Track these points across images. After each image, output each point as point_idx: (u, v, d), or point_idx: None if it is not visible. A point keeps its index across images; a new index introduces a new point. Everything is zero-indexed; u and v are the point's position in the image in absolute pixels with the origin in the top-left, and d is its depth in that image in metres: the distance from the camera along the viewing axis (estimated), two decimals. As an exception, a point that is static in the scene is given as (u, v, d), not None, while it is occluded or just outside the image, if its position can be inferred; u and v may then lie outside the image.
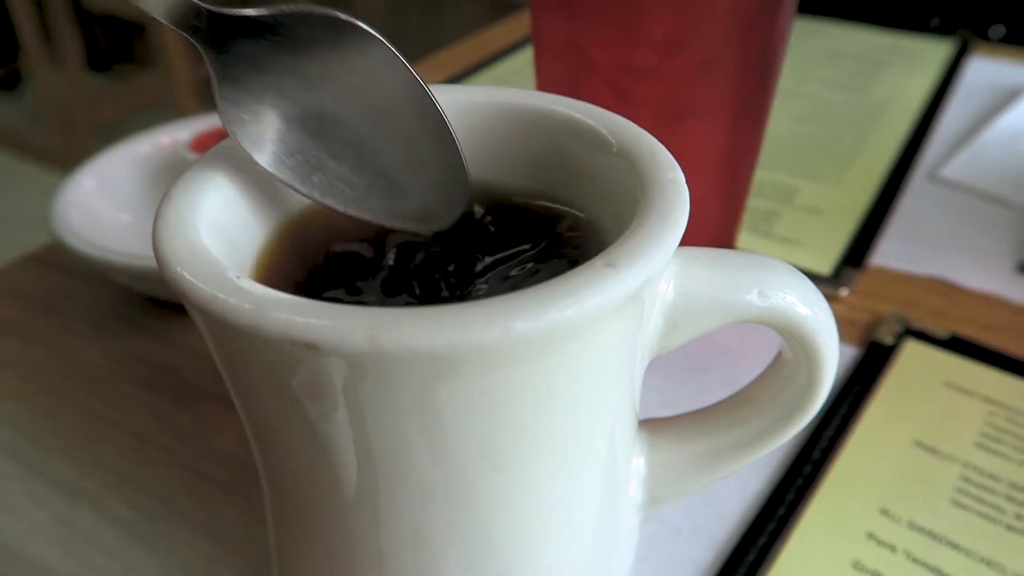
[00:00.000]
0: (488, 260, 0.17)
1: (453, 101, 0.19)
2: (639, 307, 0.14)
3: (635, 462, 0.19)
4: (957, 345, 0.27)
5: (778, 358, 0.18)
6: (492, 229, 0.18)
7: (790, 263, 0.32)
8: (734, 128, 0.24)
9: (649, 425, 0.19)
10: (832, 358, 0.17)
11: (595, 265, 0.13)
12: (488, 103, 0.18)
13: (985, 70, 0.49)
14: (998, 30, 0.62)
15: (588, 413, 0.15)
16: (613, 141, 0.16)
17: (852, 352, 0.27)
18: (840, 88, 0.47)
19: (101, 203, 0.30)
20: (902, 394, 0.26)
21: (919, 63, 0.50)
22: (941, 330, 0.28)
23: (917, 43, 0.53)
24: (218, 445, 0.25)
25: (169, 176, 0.33)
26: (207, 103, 1.81)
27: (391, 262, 0.17)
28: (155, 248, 0.14)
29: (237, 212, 0.16)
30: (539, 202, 0.18)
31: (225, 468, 0.24)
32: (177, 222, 0.14)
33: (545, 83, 0.25)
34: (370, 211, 0.17)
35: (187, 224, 0.14)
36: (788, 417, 0.18)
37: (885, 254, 0.33)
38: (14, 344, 0.30)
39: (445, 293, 0.16)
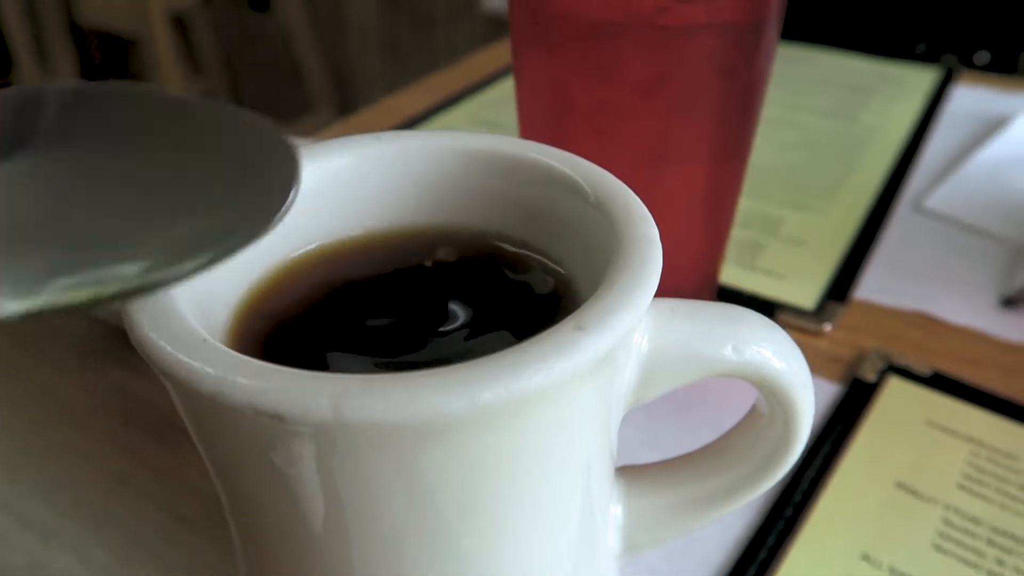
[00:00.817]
0: (460, 312, 0.17)
1: (430, 147, 0.19)
2: (612, 365, 0.14)
3: (613, 511, 0.18)
4: (939, 382, 0.27)
5: (754, 409, 0.18)
6: (465, 277, 0.18)
7: (773, 297, 0.32)
8: (715, 168, 0.24)
9: (627, 473, 0.19)
10: (807, 411, 0.17)
11: (565, 328, 0.13)
12: (465, 149, 0.18)
13: (970, 97, 0.49)
14: (983, 56, 0.63)
15: (563, 470, 0.15)
16: (590, 191, 0.16)
17: (835, 389, 0.27)
18: (827, 115, 0.47)
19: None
20: (884, 433, 0.25)
21: (905, 90, 0.50)
22: (923, 366, 0.28)
23: (903, 70, 0.53)
24: (195, 484, 0.25)
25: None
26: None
27: (363, 315, 0.17)
28: (128, 320, 0.13)
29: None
30: (513, 248, 0.18)
31: (202, 508, 0.24)
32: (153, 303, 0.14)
33: (527, 119, 0.25)
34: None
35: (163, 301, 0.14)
36: (764, 468, 0.18)
37: (869, 287, 0.33)
38: (-7, 378, 0.29)
39: (417, 351, 0.16)
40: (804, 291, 0.32)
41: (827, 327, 0.30)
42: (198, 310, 0.15)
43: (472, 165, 0.18)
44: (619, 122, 0.23)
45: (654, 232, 0.15)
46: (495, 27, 1.42)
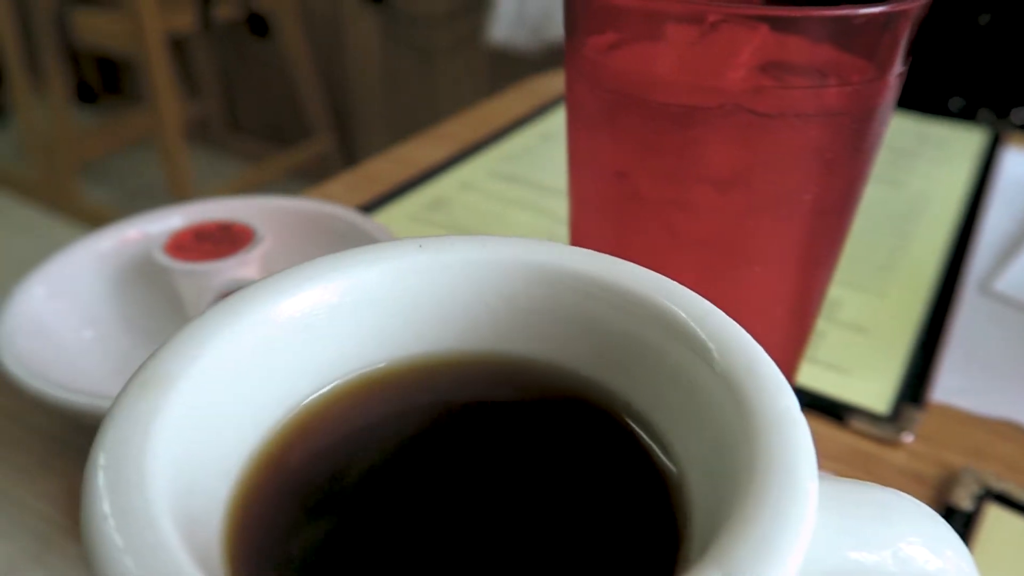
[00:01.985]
0: (531, 499, 0.13)
1: (495, 262, 0.15)
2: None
3: None
4: (1046, 514, 0.24)
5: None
6: (531, 436, 0.14)
7: (841, 397, 0.29)
8: (803, 274, 0.21)
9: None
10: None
11: (709, 580, 0.09)
12: (540, 266, 0.15)
13: (1021, 163, 0.46)
14: (1021, 114, 0.60)
15: None
16: (714, 351, 0.13)
17: (926, 520, 0.24)
18: (873, 180, 0.44)
19: (57, 316, 0.26)
20: (991, 581, 0.22)
21: (951, 154, 0.47)
22: (1025, 493, 0.24)
23: (945, 131, 0.50)
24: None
25: (138, 280, 0.29)
26: (195, 143, 1.77)
27: (398, 502, 0.13)
28: (87, 532, 0.10)
29: (207, 427, 0.12)
30: (605, 400, 0.14)
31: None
32: (123, 488, 0.10)
33: (581, 209, 0.22)
34: None
35: (136, 488, 0.10)
36: None
37: (946, 387, 0.29)
38: (-56, 480, 0.25)
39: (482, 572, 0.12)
40: (874, 390, 0.29)
41: (907, 438, 0.27)
42: (182, 495, 0.11)
43: (541, 285, 0.15)
44: (693, 219, 0.20)
45: (794, 406, 0.12)
46: (497, 61, 1.40)
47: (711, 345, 0.13)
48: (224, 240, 0.28)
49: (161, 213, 0.30)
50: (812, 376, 0.29)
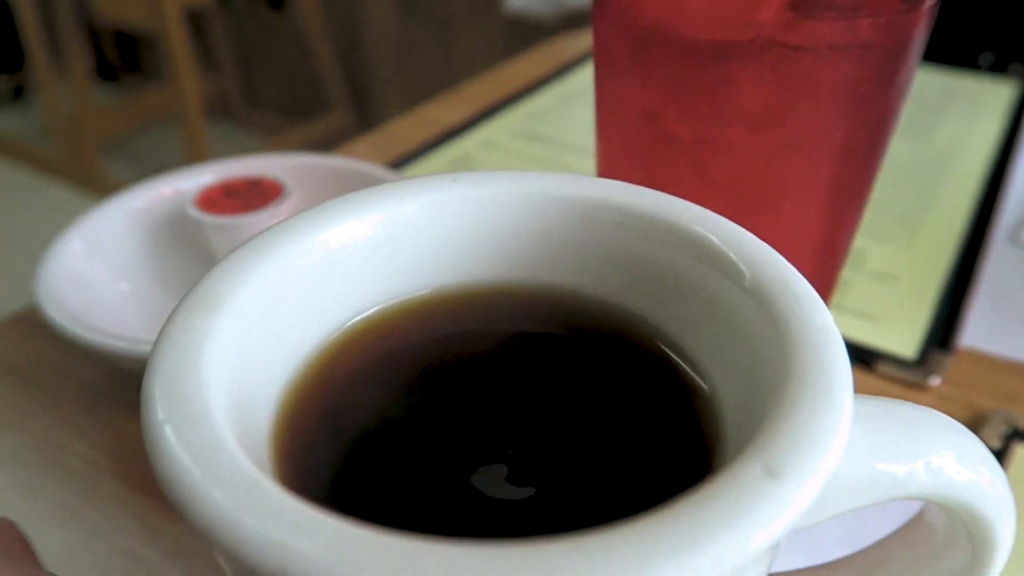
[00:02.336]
0: (566, 413, 0.13)
1: (521, 194, 0.15)
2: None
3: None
4: (1076, 454, 0.24)
5: (920, 522, 0.15)
6: (564, 358, 0.14)
7: (868, 343, 0.29)
8: (833, 212, 0.21)
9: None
10: (1007, 544, 0.13)
11: (750, 472, 0.09)
12: (566, 197, 0.15)
13: (1052, 115, 0.45)
14: (1053, 68, 0.59)
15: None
16: (745, 270, 0.13)
17: (954, 461, 0.24)
18: (900, 133, 0.43)
19: (94, 269, 0.27)
20: (1019, 517, 0.22)
21: (980, 108, 0.46)
22: (1054, 434, 0.24)
23: (974, 84, 0.49)
24: (213, 559, 0.21)
25: (171, 235, 0.29)
26: (216, 119, 1.78)
27: (441, 412, 0.13)
28: (148, 438, 0.10)
29: (255, 346, 0.13)
30: (636, 328, 0.15)
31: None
32: (179, 396, 0.11)
33: (609, 155, 0.22)
34: None
35: (192, 396, 0.11)
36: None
37: (974, 334, 0.29)
38: (-8, 428, 0.26)
39: (518, 475, 0.12)
40: (902, 336, 0.29)
41: (935, 381, 0.27)
42: (233, 408, 0.11)
43: (573, 216, 0.15)
44: (725, 160, 0.20)
45: (828, 318, 0.12)
46: (515, 29, 1.39)
47: (744, 268, 0.13)
48: (254, 194, 0.29)
49: (193, 170, 0.31)
50: (838, 323, 0.29)
